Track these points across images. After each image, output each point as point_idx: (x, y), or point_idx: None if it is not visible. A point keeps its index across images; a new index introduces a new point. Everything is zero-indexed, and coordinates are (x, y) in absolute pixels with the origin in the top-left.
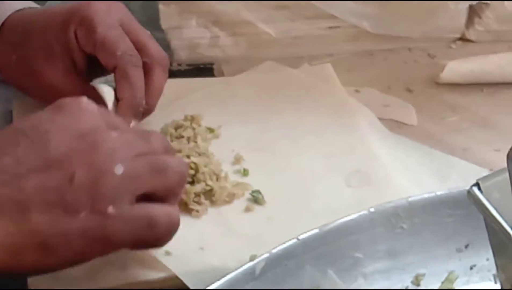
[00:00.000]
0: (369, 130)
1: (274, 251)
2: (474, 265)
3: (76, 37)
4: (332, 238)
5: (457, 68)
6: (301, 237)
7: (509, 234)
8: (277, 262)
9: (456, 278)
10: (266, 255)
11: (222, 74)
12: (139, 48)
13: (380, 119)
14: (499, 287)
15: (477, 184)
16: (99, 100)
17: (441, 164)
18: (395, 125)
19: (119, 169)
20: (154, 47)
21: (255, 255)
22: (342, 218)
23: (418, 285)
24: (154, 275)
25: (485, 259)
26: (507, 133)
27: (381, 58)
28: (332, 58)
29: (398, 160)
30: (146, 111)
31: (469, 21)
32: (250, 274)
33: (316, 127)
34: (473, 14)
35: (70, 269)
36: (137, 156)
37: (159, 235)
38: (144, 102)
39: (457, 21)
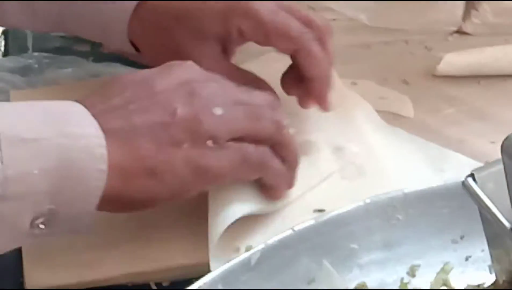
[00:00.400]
0: (366, 122)
1: (269, 242)
2: (470, 256)
3: (239, 30)
4: (327, 229)
5: (453, 60)
6: (296, 228)
7: (503, 224)
8: (272, 253)
9: (451, 269)
10: (261, 246)
11: None
12: (305, 23)
13: (376, 111)
14: (494, 278)
15: (471, 175)
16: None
17: (436, 157)
18: (391, 117)
19: (218, 110)
20: (316, 19)
21: (250, 245)
22: (337, 209)
23: (414, 276)
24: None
25: (480, 250)
26: (503, 125)
27: (378, 51)
28: None
29: (393, 152)
30: (322, 81)
31: (466, 14)
32: (246, 265)
33: (312, 119)
34: (470, 7)
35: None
36: (236, 103)
37: (252, 169)
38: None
39: (454, 14)
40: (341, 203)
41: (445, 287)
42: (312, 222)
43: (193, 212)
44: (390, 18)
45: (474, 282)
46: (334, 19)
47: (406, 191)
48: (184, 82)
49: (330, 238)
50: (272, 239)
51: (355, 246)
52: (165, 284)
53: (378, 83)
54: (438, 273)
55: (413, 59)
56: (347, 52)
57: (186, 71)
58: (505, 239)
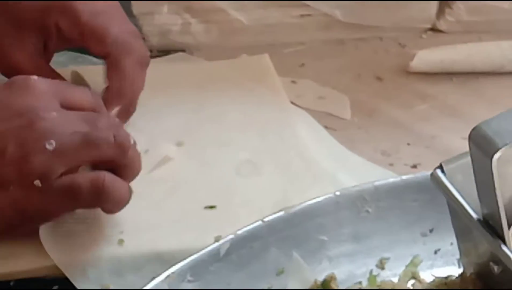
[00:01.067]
0: (300, 126)
1: (239, 232)
2: (439, 250)
3: (57, 26)
4: (297, 220)
5: (426, 57)
6: (266, 219)
7: (471, 216)
8: (242, 243)
9: (421, 262)
10: (231, 236)
11: None
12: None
13: (315, 111)
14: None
15: (440, 167)
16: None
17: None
18: (366, 112)
19: (50, 145)
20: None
21: (219, 236)
22: (307, 201)
23: (383, 268)
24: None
25: (450, 243)
26: (474, 122)
27: (352, 47)
28: (304, 47)
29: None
30: (119, 96)
31: (440, 12)
32: (215, 255)
33: (243, 122)
34: (444, 4)
35: None
36: (74, 132)
37: (84, 201)
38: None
39: (428, 12)
40: (234, 200)
41: (413, 280)
42: (281, 213)
43: None
44: (364, 15)
45: (443, 275)
46: (309, 15)
47: (376, 183)
48: (22, 112)
49: (300, 229)
50: (242, 230)
51: (324, 238)
52: None
53: (352, 79)
54: (407, 266)
55: (387, 56)
56: (321, 48)
57: (29, 96)
58: (473, 231)
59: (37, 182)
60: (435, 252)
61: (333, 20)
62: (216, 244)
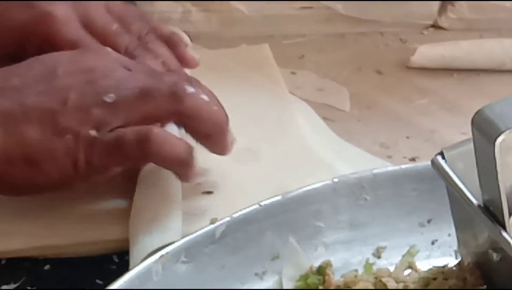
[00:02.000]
0: (299, 116)
1: (235, 215)
2: (436, 240)
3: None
4: (294, 206)
5: (427, 52)
6: (263, 203)
7: (472, 203)
8: (237, 226)
9: (417, 252)
10: (227, 219)
11: None
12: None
13: (314, 102)
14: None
15: (441, 153)
16: None
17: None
18: (364, 106)
19: (109, 98)
20: (123, 42)
21: (215, 218)
22: (305, 186)
23: (379, 257)
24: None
25: (447, 234)
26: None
27: (352, 41)
28: (304, 39)
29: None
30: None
31: (442, 8)
32: (210, 237)
33: (242, 110)
34: (446, 1)
35: None
36: (135, 88)
37: (129, 154)
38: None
39: (430, 8)
40: (231, 186)
41: (410, 270)
42: (278, 198)
43: (114, 190)
44: (366, 9)
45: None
46: (310, 7)
47: (375, 171)
48: (88, 69)
49: (297, 215)
50: (238, 213)
51: (321, 224)
52: None
53: (352, 72)
54: (403, 256)
55: (388, 51)
56: (321, 40)
57: (97, 58)
58: (473, 218)
59: (93, 132)
60: (433, 243)
61: (334, 13)
62: (212, 226)
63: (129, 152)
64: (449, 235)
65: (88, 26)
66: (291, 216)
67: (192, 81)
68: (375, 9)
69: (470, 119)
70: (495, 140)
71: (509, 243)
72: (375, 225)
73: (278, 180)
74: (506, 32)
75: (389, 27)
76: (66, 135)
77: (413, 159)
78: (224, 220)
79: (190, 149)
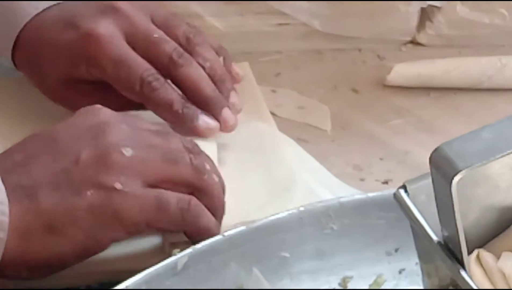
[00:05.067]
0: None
1: (198, 246)
2: (403, 269)
3: (91, 73)
4: (259, 236)
5: (404, 71)
6: (226, 233)
7: (431, 239)
8: (200, 258)
9: (384, 282)
10: (189, 250)
11: None
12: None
13: (295, 121)
14: None
15: (403, 187)
16: None
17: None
18: (339, 126)
19: (128, 151)
20: (166, 50)
21: (177, 249)
22: (270, 216)
23: (345, 287)
24: None
25: (415, 263)
26: (450, 138)
27: (330, 58)
28: (281, 55)
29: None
30: (213, 103)
31: (420, 25)
32: (172, 269)
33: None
34: (424, 17)
35: None
36: (149, 146)
37: (171, 218)
38: (189, 103)
39: (408, 24)
40: None
41: None
42: (243, 228)
43: None
44: (343, 26)
45: None
46: (287, 24)
47: (341, 200)
48: (89, 127)
49: (261, 245)
50: (201, 244)
51: (286, 254)
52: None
53: (327, 90)
54: (370, 285)
55: (365, 68)
56: (298, 57)
57: (92, 115)
58: (434, 254)
59: (117, 185)
60: (400, 272)
61: (311, 30)
62: (174, 257)
63: (171, 216)
64: (417, 263)
65: (131, 38)
66: (255, 247)
67: (204, 157)
68: (353, 26)
69: (446, 140)
70: (452, 179)
71: (467, 283)
72: (342, 255)
73: (256, 203)
74: (484, 48)
75: (367, 43)
76: (87, 192)
77: (385, 182)
78: (186, 251)
79: (219, 224)
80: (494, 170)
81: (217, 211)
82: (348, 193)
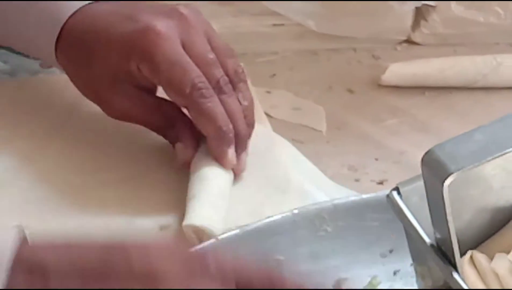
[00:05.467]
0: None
1: (192, 250)
2: (398, 271)
3: (139, 69)
4: (252, 239)
5: (399, 70)
6: (220, 237)
7: (424, 241)
8: None
9: (379, 283)
10: None
11: None
12: (211, 66)
13: (290, 123)
14: None
15: (396, 189)
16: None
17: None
18: (334, 126)
19: None
20: (215, 75)
21: None
22: (264, 219)
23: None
24: None
25: (409, 264)
26: (444, 138)
27: (325, 58)
28: (276, 56)
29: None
30: (238, 141)
31: (415, 24)
32: None
33: None
34: (419, 16)
35: None
36: None
37: None
38: (231, 126)
39: (403, 23)
40: None
41: None
42: (237, 231)
43: None
44: (338, 25)
45: None
46: (282, 24)
47: (335, 202)
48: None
49: (255, 248)
50: (195, 248)
51: (281, 257)
52: None
53: (323, 91)
54: (365, 287)
55: (360, 68)
56: (293, 58)
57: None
58: (427, 256)
59: None
60: (394, 273)
61: (306, 30)
62: None
63: None
64: (411, 265)
65: (188, 47)
66: (249, 250)
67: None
68: (347, 26)
69: (440, 140)
70: (444, 181)
71: (459, 284)
72: (336, 257)
73: (253, 205)
74: (479, 46)
75: (362, 43)
76: None
77: (380, 183)
78: None
79: None
80: (487, 171)
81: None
82: (343, 194)
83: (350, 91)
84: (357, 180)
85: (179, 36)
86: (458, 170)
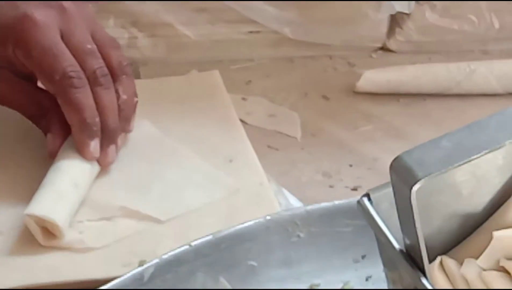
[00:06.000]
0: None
1: (164, 256)
2: (370, 276)
3: (15, 56)
4: (225, 245)
5: (373, 77)
6: (193, 243)
7: (393, 247)
8: (167, 268)
9: (351, 289)
10: (155, 260)
11: (139, 76)
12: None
13: (265, 129)
14: None
15: (367, 195)
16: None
17: None
18: (309, 133)
19: None
20: (92, 65)
21: (144, 260)
22: (236, 225)
23: None
24: None
25: (381, 270)
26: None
27: (301, 65)
28: (252, 63)
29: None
30: (106, 134)
31: (390, 31)
32: (139, 280)
33: (192, 137)
34: (394, 24)
35: None
36: None
37: None
38: (97, 119)
39: (378, 31)
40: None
41: None
42: (209, 237)
43: None
44: (314, 33)
45: None
46: (258, 31)
47: (308, 208)
48: None
49: (228, 254)
50: (167, 254)
51: (254, 263)
52: None
53: (298, 98)
54: None
55: (335, 75)
56: (269, 65)
57: None
58: (397, 261)
59: None
60: (367, 279)
61: (282, 38)
62: (140, 268)
63: None
64: (383, 270)
65: (66, 37)
66: (222, 256)
67: None
68: (323, 33)
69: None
70: (412, 187)
71: (427, 289)
72: (309, 262)
73: (227, 211)
74: (454, 53)
75: (338, 50)
76: None
77: (355, 189)
78: (152, 262)
79: None
80: (456, 177)
81: None
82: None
83: (325, 98)
84: (331, 186)
85: (58, 26)
86: (426, 176)
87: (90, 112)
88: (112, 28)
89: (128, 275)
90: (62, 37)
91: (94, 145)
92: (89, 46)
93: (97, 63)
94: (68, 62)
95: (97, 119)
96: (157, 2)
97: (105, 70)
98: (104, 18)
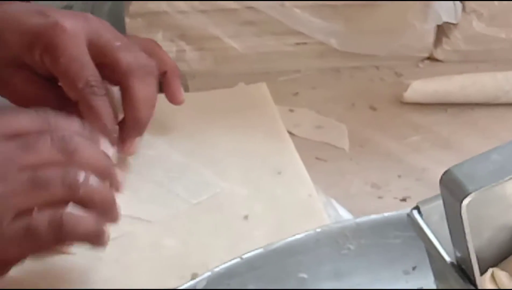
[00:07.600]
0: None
1: (216, 269)
2: (421, 288)
3: (42, 60)
4: (276, 257)
5: (420, 87)
6: (244, 256)
7: (444, 260)
8: (219, 281)
9: None
10: (207, 273)
11: (187, 89)
12: (111, 63)
13: (312, 141)
14: None
15: (417, 207)
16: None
17: None
18: (357, 144)
19: None
20: (125, 58)
21: (196, 273)
22: (287, 238)
23: None
24: None
25: (432, 282)
26: (467, 155)
27: (347, 76)
28: (299, 75)
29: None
30: (136, 126)
31: (437, 41)
32: None
33: (241, 150)
34: (441, 34)
35: None
36: (20, 170)
37: (44, 241)
38: (116, 127)
39: (425, 41)
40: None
41: None
42: (260, 250)
43: None
44: (360, 44)
45: None
46: (304, 43)
47: (358, 220)
48: None
49: (279, 267)
50: (219, 267)
51: (304, 275)
52: None
53: (345, 108)
54: None
55: (383, 85)
56: (316, 76)
57: None
58: (447, 274)
59: None
60: None
61: (328, 49)
62: (193, 281)
63: (43, 239)
64: (434, 282)
65: (94, 40)
66: (273, 268)
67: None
68: (370, 43)
69: (463, 157)
70: (462, 201)
71: None
72: (359, 274)
73: (274, 224)
74: (501, 62)
75: (385, 60)
76: None
77: (403, 200)
78: (205, 275)
79: (100, 222)
80: (506, 190)
81: (105, 213)
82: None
83: (373, 108)
84: (380, 197)
85: (86, 35)
86: (476, 190)
87: (109, 118)
88: (161, 42)
89: (181, 288)
90: (89, 43)
91: (104, 145)
92: (118, 43)
93: (130, 57)
94: (92, 71)
95: (116, 127)
96: (205, 16)
97: (143, 60)
98: (153, 32)
